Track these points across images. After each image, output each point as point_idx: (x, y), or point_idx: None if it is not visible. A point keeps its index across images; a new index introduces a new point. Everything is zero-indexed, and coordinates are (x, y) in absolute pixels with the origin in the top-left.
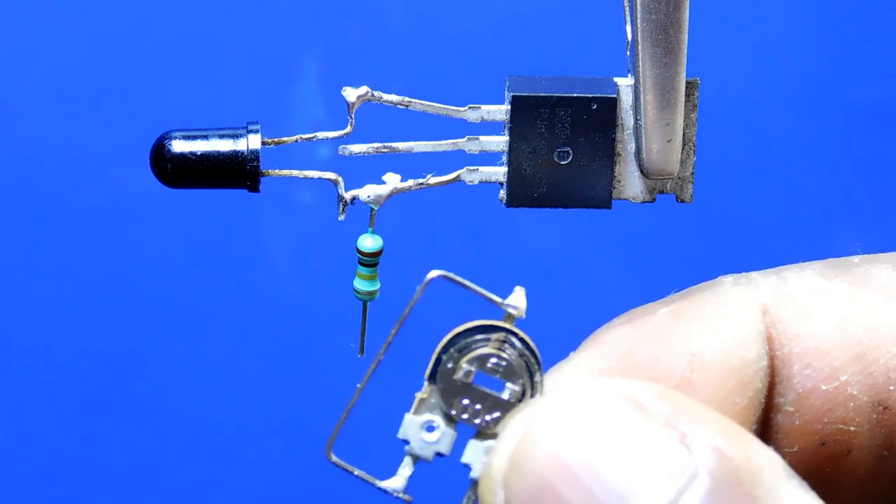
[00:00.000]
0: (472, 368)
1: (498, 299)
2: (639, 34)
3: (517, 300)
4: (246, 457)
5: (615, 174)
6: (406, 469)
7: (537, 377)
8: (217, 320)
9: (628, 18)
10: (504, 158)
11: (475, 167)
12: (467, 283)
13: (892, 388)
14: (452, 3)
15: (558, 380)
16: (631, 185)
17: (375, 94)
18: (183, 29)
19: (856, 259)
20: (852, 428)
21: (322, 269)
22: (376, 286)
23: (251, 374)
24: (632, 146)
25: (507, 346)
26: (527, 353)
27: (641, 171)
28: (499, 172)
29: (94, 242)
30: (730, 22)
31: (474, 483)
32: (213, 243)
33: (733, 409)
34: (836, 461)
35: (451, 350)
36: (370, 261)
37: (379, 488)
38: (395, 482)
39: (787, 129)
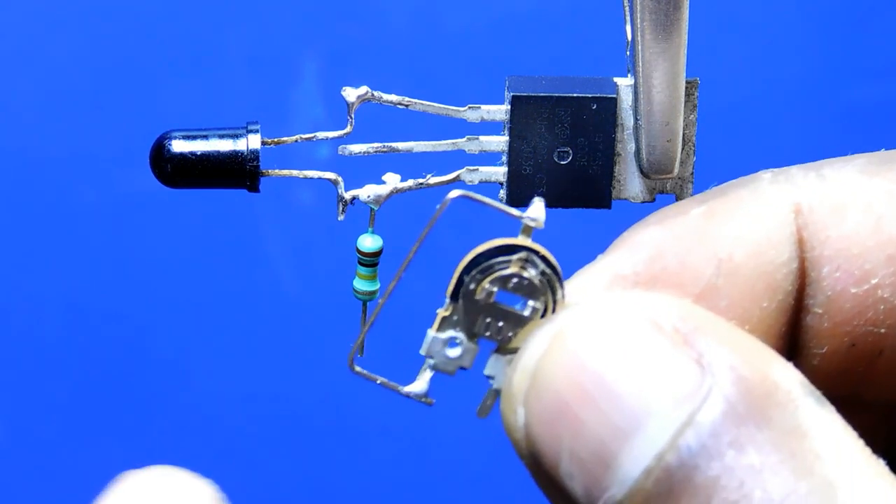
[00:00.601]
0: (495, 289)
1: (517, 212)
2: (639, 34)
3: (536, 212)
4: (245, 456)
5: (615, 174)
6: (427, 373)
7: (559, 294)
8: (217, 320)
9: (628, 18)
10: (504, 158)
11: (475, 167)
12: (487, 199)
13: None
14: (452, 3)
15: (582, 286)
16: (631, 185)
17: (375, 94)
18: (183, 29)
19: None
20: (883, 330)
21: (322, 269)
22: (376, 286)
23: (251, 374)
24: (632, 146)
25: (528, 264)
26: (549, 270)
27: (641, 171)
28: (499, 172)
29: (94, 242)
30: (730, 22)
31: (495, 392)
32: (213, 243)
33: (760, 312)
34: (869, 361)
35: (474, 271)
36: (370, 261)
37: (402, 394)
38: (417, 386)
39: (787, 129)
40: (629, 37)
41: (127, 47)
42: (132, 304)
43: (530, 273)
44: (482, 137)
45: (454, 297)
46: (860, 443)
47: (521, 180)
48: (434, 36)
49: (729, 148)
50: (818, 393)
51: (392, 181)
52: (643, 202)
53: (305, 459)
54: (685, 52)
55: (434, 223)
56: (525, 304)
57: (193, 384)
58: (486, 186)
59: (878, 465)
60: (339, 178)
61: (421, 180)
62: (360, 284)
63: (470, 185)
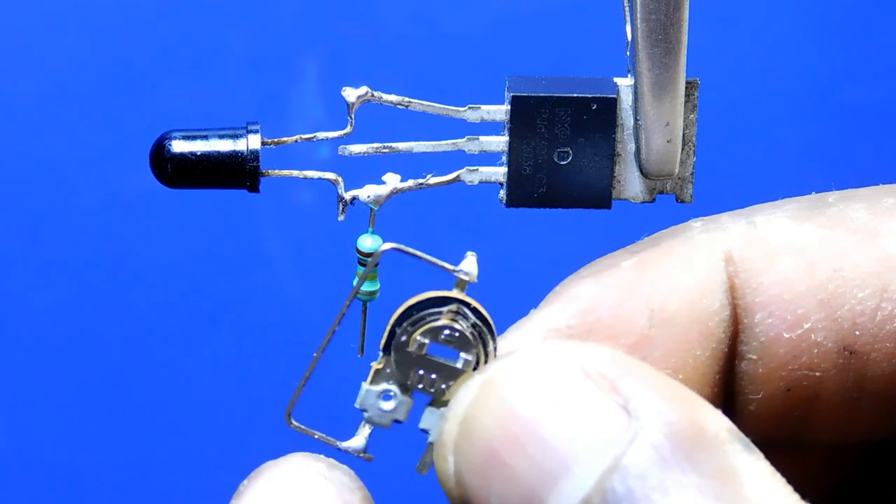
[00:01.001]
0: (426, 340)
1: (450, 266)
2: (639, 34)
3: (469, 266)
4: (245, 457)
5: (615, 174)
6: (365, 429)
7: (490, 346)
8: (217, 320)
9: (628, 18)
10: (504, 158)
11: (475, 167)
12: (418, 253)
13: (858, 332)
14: (452, 3)
15: (516, 340)
16: (631, 185)
17: (375, 94)
18: (183, 29)
19: (831, 197)
20: (818, 374)
21: (322, 269)
22: (376, 286)
23: (251, 375)
24: (632, 146)
25: (459, 316)
26: (479, 322)
27: (641, 172)
28: (499, 172)
29: (94, 242)
30: (730, 22)
31: (432, 446)
32: (213, 243)
33: (695, 361)
34: (806, 405)
35: (405, 323)
36: None
37: (340, 449)
38: (356, 442)
39: (787, 128)
40: (629, 37)
41: (127, 47)
42: (132, 305)
43: (461, 325)
44: (482, 137)
45: (386, 349)
46: (788, 488)
47: (521, 180)
48: (434, 36)
49: (729, 148)
50: (746, 439)
51: (392, 181)
52: (643, 202)
53: None
54: (685, 51)
55: (366, 276)
56: (457, 357)
57: (193, 384)
58: (486, 186)
59: None
60: (339, 178)
61: (421, 180)
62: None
63: (470, 185)
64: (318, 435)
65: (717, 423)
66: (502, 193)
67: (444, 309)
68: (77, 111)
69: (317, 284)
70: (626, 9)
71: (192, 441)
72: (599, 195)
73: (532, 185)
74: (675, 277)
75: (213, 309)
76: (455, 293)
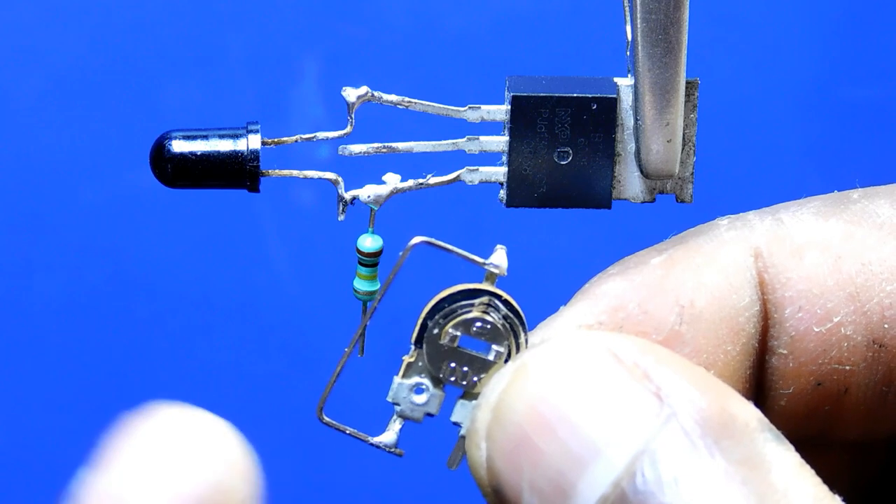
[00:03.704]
0: (458, 333)
1: (480, 259)
2: (639, 34)
3: (499, 259)
4: None
5: (615, 174)
6: (396, 424)
7: (522, 338)
8: (217, 320)
9: (628, 18)
10: (504, 158)
11: (475, 167)
12: (449, 246)
13: (886, 325)
14: (452, 3)
15: (546, 335)
16: (631, 185)
17: (375, 94)
18: (183, 29)
19: (855, 194)
20: (848, 367)
21: (322, 269)
22: (376, 286)
23: (251, 375)
24: (632, 146)
25: (491, 309)
26: (511, 314)
27: (641, 172)
28: (499, 172)
29: (94, 242)
30: (730, 22)
31: (463, 440)
32: (213, 243)
33: (725, 356)
34: (835, 400)
35: (437, 316)
36: (370, 261)
37: (371, 444)
38: (387, 437)
39: (787, 128)
40: (629, 37)
41: (127, 47)
42: (132, 305)
43: (493, 317)
44: (482, 137)
45: (418, 342)
46: (817, 479)
47: (521, 180)
48: (434, 36)
49: (729, 148)
50: (776, 430)
51: (392, 181)
52: (643, 202)
53: (305, 460)
54: (685, 51)
55: (398, 270)
56: (489, 349)
57: (193, 384)
58: (486, 186)
59: (835, 500)
60: (339, 178)
61: (421, 180)
62: (360, 284)
63: (470, 185)
64: (349, 430)
65: (748, 412)
66: (502, 193)
67: (476, 301)
68: (77, 111)
69: (317, 284)
70: (626, 9)
71: None
72: (599, 195)
73: (532, 185)
74: (703, 274)
75: (212, 309)
76: (486, 285)
